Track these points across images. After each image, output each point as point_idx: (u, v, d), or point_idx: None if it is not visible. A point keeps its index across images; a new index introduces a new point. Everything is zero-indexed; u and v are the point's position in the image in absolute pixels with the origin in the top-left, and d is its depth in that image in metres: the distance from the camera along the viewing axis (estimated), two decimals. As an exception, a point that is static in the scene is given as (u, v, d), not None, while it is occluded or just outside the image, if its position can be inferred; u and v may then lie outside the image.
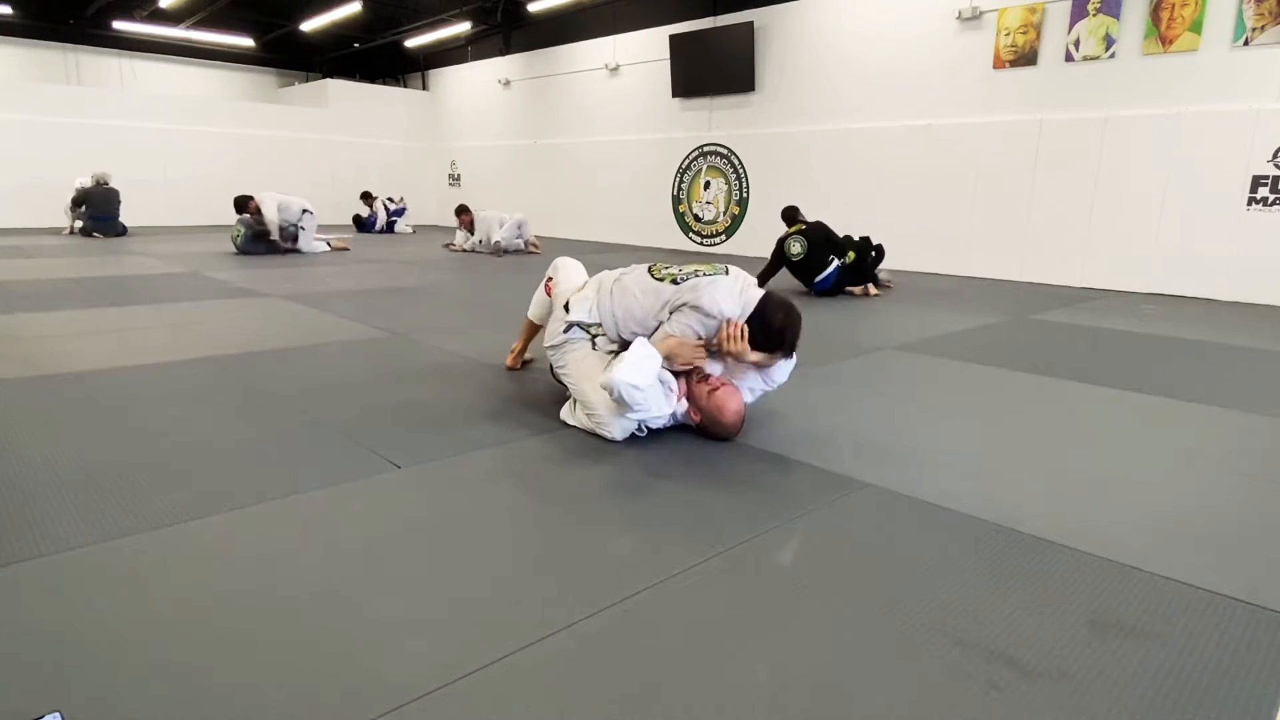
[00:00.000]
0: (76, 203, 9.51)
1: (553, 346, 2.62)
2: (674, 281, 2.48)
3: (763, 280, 6.55)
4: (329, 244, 8.60)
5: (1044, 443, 2.50)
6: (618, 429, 2.37)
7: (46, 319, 4.21)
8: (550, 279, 2.95)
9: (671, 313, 2.43)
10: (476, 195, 11.68)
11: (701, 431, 2.44)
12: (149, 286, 5.56)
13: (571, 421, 2.53)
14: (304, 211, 8.22)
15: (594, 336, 2.56)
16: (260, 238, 7.87)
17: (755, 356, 2.41)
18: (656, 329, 2.46)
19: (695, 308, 2.38)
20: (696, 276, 2.46)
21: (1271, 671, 1.28)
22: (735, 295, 2.42)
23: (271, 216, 7.90)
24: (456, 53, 13.11)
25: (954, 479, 2.13)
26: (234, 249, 7.85)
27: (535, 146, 11.85)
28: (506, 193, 11.68)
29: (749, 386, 2.54)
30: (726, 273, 2.49)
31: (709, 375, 2.44)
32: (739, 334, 2.36)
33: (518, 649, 1.29)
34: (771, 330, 2.39)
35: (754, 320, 2.40)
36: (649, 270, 2.59)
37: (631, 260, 3.11)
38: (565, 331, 2.56)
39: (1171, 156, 6.00)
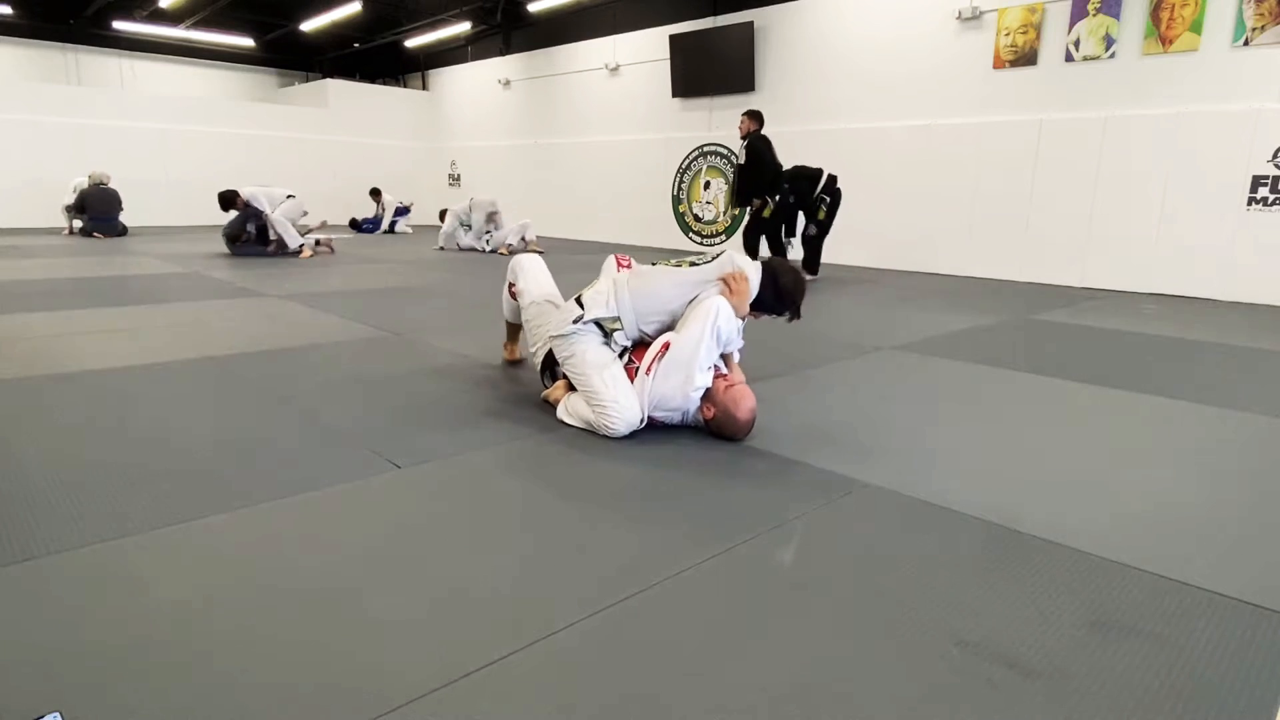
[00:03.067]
0: (73, 207, 9.48)
1: (560, 335, 2.58)
2: (693, 264, 2.59)
3: (750, 245, 6.95)
4: (307, 247, 7.95)
5: (1044, 443, 2.50)
6: (621, 423, 2.36)
7: (46, 319, 4.21)
8: (512, 284, 3.02)
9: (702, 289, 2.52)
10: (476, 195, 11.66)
11: (710, 428, 2.44)
12: (149, 286, 5.56)
13: (569, 420, 2.53)
14: (287, 196, 8.05)
15: (610, 332, 2.53)
16: (242, 237, 7.74)
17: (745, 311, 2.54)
18: (682, 313, 2.52)
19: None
20: (707, 261, 2.59)
21: (1271, 671, 1.28)
22: (756, 266, 2.58)
23: (264, 207, 7.79)
24: (456, 53, 13.11)
25: (954, 479, 2.13)
26: (227, 250, 7.82)
27: (535, 146, 11.85)
28: (507, 193, 11.63)
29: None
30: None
31: (726, 372, 2.47)
32: (745, 286, 2.49)
33: (518, 649, 1.29)
34: (781, 291, 2.56)
35: (764, 284, 2.54)
36: (655, 265, 2.67)
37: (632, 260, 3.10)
38: (575, 322, 2.53)
39: (1171, 156, 6.00)
